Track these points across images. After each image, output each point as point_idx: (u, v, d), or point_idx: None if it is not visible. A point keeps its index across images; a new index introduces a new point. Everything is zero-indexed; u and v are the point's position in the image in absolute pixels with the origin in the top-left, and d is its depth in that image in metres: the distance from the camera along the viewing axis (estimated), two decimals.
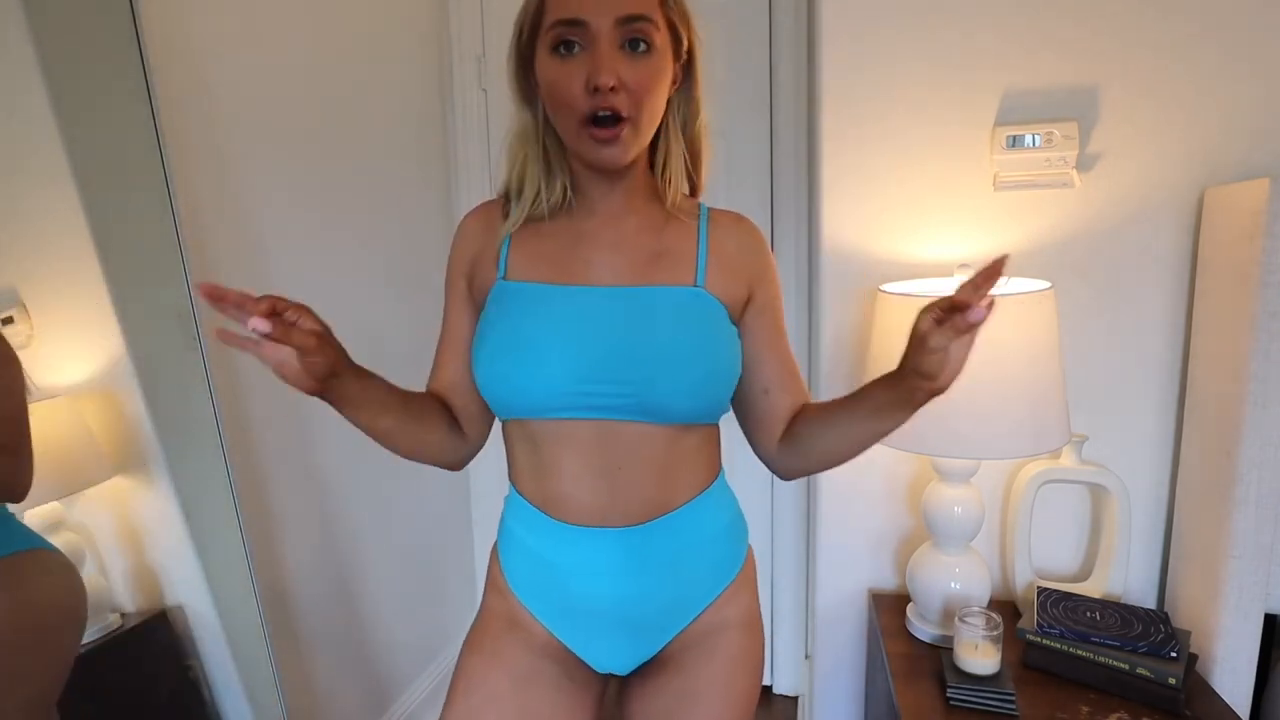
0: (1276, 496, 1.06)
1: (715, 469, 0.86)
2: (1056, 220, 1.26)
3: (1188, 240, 1.22)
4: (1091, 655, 1.10)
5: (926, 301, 0.67)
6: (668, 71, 0.74)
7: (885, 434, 0.77)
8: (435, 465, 0.88)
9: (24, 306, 0.98)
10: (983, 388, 1.05)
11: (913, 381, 0.69)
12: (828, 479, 1.41)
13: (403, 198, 1.80)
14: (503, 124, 0.82)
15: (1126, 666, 1.08)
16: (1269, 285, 1.03)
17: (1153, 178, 1.22)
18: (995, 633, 1.08)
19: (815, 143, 1.42)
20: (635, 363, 0.74)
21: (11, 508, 0.94)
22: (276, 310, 0.65)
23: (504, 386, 0.76)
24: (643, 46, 0.71)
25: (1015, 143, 1.23)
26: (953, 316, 0.64)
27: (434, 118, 1.95)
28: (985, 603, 1.21)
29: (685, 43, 0.77)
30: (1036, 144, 1.22)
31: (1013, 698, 1.05)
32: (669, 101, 0.77)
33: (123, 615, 1.10)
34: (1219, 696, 1.09)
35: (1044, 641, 1.15)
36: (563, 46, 0.71)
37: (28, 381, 0.95)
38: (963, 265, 1.21)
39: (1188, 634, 1.13)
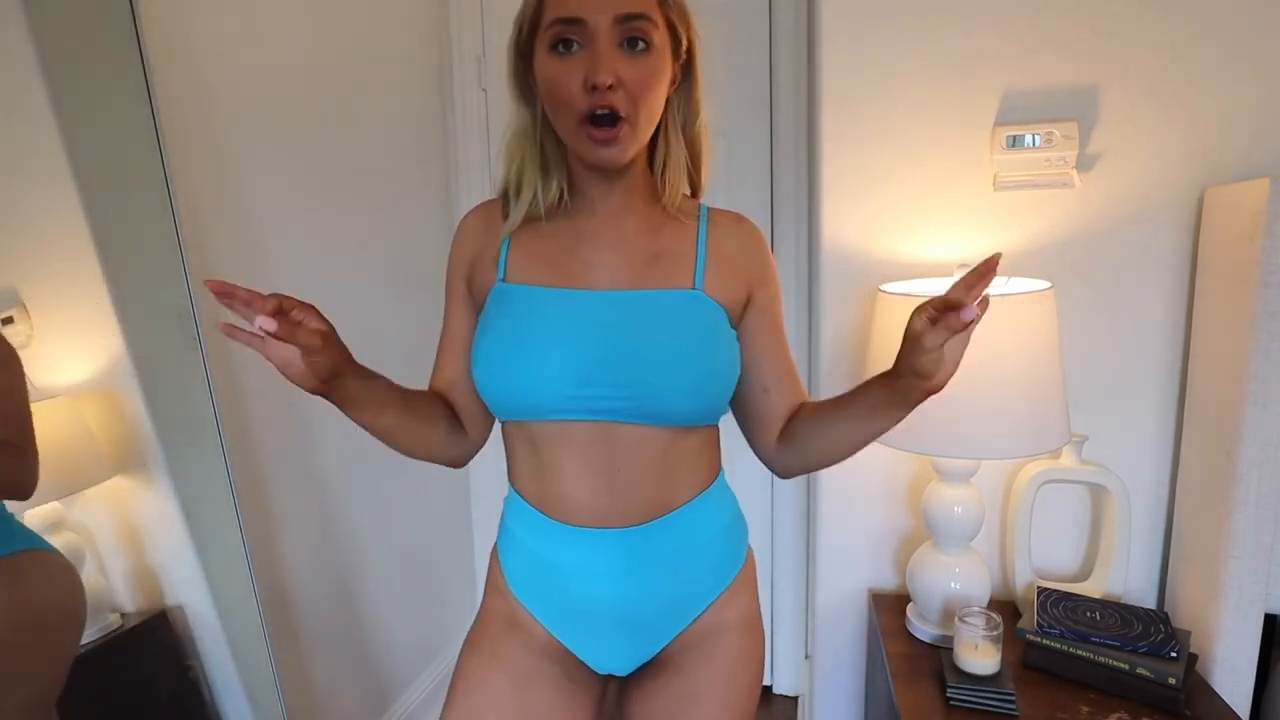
0: (1276, 496, 1.06)
1: (715, 470, 0.86)
2: (1056, 220, 1.26)
3: (1188, 240, 1.22)
4: (1091, 655, 1.10)
5: (924, 300, 0.67)
6: (666, 70, 0.74)
7: (882, 432, 0.78)
8: (437, 463, 0.88)
9: (24, 306, 0.98)
10: (983, 388, 1.05)
11: (908, 381, 0.69)
12: (828, 478, 1.41)
13: (403, 198, 1.80)
14: (503, 124, 0.82)
15: (1126, 666, 1.08)
16: (1269, 285, 1.03)
17: (1153, 178, 1.22)
18: (995, 633, 1.08)
19: (815, 143, 1.42)
20: (634, 366, 0.74)
21: (11, 507, 0.94)
22: (283, 309, 0.66)
23: (503, 388, 0.76)
24: (641, 45, 0.71)
25: (1015, 143, 1.23)
26: (946, 316, 0.64)
27: (434, 118, 1.95)
28: (985, 603, 1.21)
29: (684, 42, 0.76)
30: (1036, 144, 1.22)
31: (1013, 698, 1.05)
32: (668, 101, 0.77)
33: (123, 615, 1.10)
34: (1219, 696, 1.09)
35: (1044, 641, 1.15)
36: (561, 45, 0.71)
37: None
38: (962, 265, 1.21)
39: (1188, 634, 1.13)
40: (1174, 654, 1.07)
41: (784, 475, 0.89)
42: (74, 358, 1.05)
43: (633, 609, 0.80)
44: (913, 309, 0.67)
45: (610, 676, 0.88)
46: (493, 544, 0.91)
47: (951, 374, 0.69)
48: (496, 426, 0.88)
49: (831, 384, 1.39)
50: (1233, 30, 1.17)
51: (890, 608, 1.36)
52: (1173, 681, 1.04)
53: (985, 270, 0.63)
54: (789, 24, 1.74)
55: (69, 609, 0.98)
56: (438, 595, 2.00)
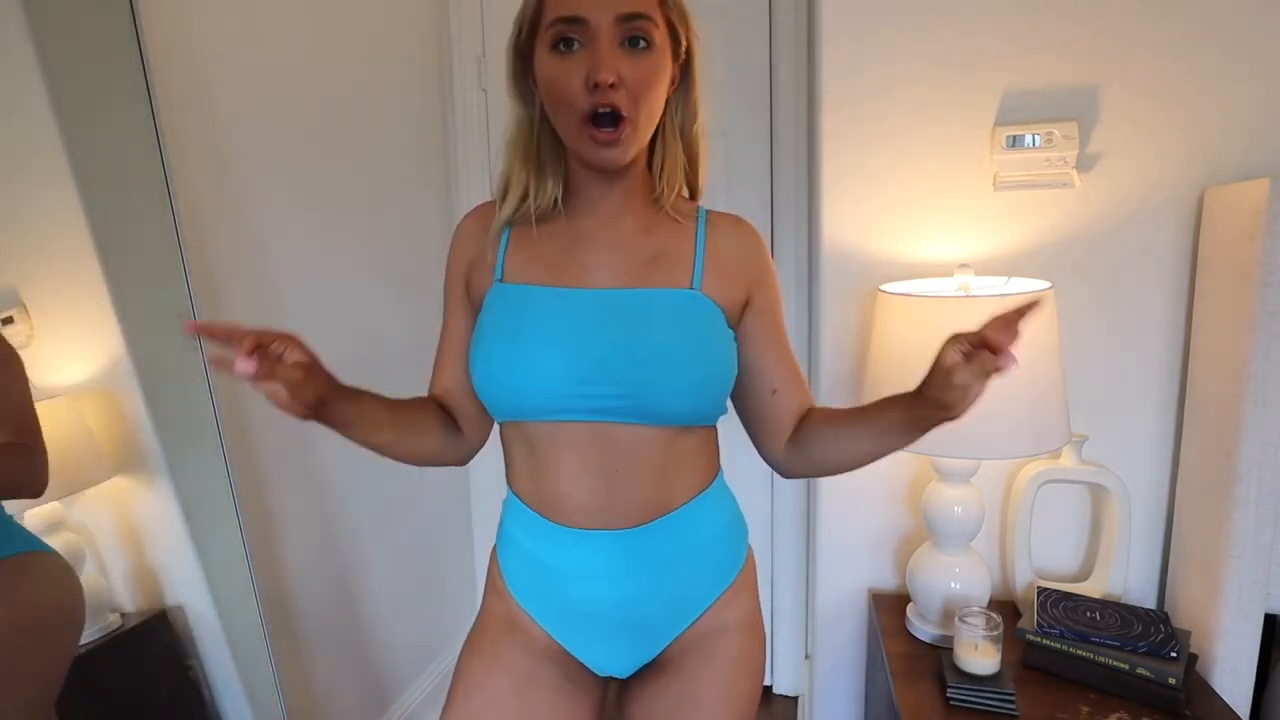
0: (1276, 496, 1.06)
1: (714, 470, 0.86)
2: (1056, 220, 1.26)
3: (1188, 240, 1.22)
4: (1091, 655, 1.10)
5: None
6: (667, 70, 0.74)
7: (893, 451, 0.79)
8: (436, 466, 0.89)
9: (24, 306, 0.98)
10: None
11: (930, 410, 0.70)
12: (828, 478, 1.41)
13: (403, 198, 1.80)
14: (503, 124, 0.82)
15: (1126, 666, 1.08)
16: (1269, 285, 1.03)
17: (1153, 178, 1.22)
18: (995, 633, 1.08)
19: (815, 143, 1.42)
20: (632, 365, 0.74)
21: (11, 508, 0.94)
22: (261, 344, 0.66)
23: (500, 389, 0.76)
24: (642, 44, 0.71)
25: (1015, 143, 1.23)
26: (981, 354, 0.65)
27: (434, 118, 1.95)
28: (985, 603, 1.21)
29: (684, 43, 0.76)
30: (1036, 144, 1.22)
31: (1013, 698, 1.05)
32: (667, 102, 0.77)
33: (123, 615, 1.10)
34: (1219, 696, 1.09)
35: (1044, 641, 1.15)
36: (562, 44, 0.71)
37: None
38: (963, 265, 1.21)
39: (1188, 634, 1.13)
40: (1174, 654, 1.07)
41: (789, 477, 0.90)
42: (74, 358, 1.05)
43: (632, 610, 0.80)
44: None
45: (610, 678, 0.88)
46: (492, 545, 0.91)
47: (972, 406, 0.69)
48: (496, 426, 0.88)
49: (832, 384, 1.39)
50: (1233, 30, 1.17)
51: (890, 608, 1.36)
52: (1173, 681, 1.04)
53: (1026, 310, 0.63)
54: (789, 24, 1.74)
55: (68, 610, 0.98)
56: (438, 595, 2.00)
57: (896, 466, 1.38)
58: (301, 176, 1.44)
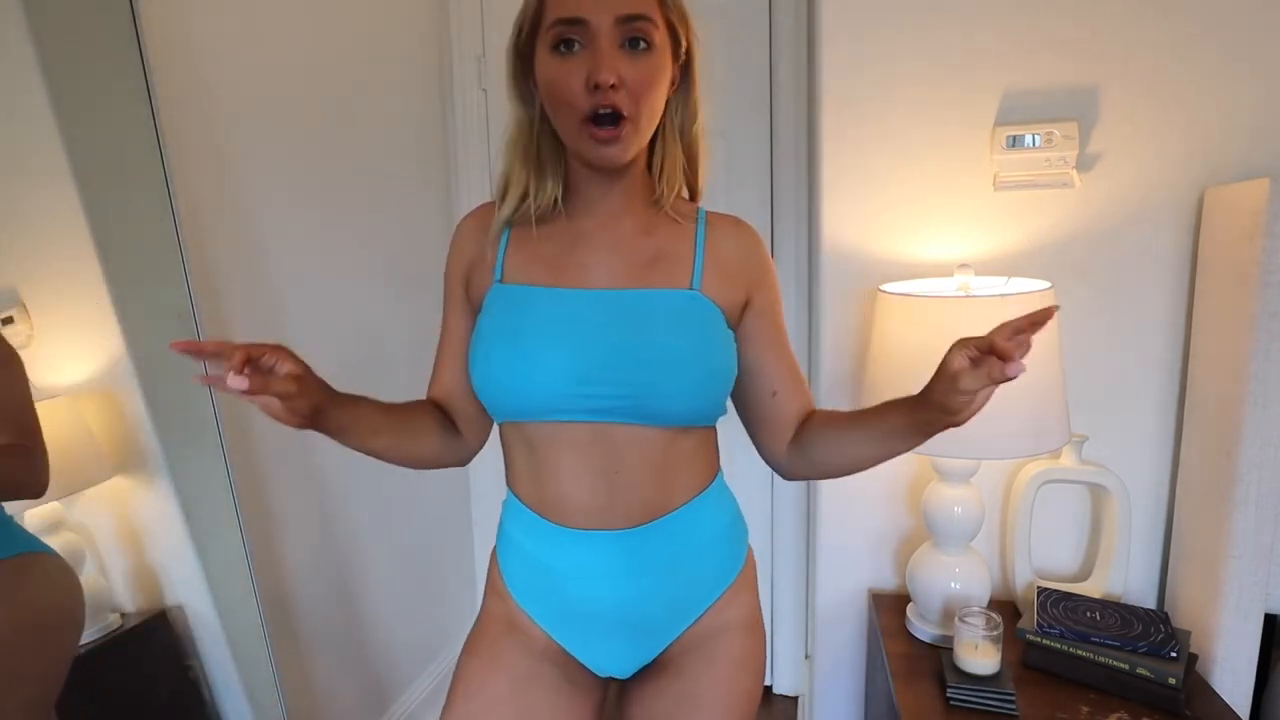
0: (1276, 496, 1.06)
1: (713, 470, 0.86)
2: (1056, 220, 1.26)
3: (1188, 240, 1.22)
4: (1091, 655, 1.10)
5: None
6: (667, 70, 0.74)
7: (895, 455, 0.79)
8: (436, 469, 0.89)
9: (24, 306, 0.98)
10: None
11: (933, 414, 0.70)
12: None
13: (403, 198, 1.80)
14: (503, 124, 0.82)
15: (1126, 666, 1.08)
16: (1269, 285, 1.03)
17: (1153, 178, 1.22)
18: (995, 633, 1.08)
19: (815, 143, 1.42)
20: (633, 366, 0.74)
21: (11, 509, 0.94)
22: (251, 358, 0.65)
23: (500, 389, 0.76)
24: (643, 45, 0.71)
25: (1015, 143, 1.23)
26: (988, 360, 0.64)
27: (434, 118, 1.95)
28: (985, 603, 1.21)
29: (684, 44, 0.77)
30: (1036, 144, 1.22)
31: (1013, 698, 1.05)
32: (667, 103, 0.77)
33: (123, 615, 1.10)
34: (1219, 696, 1.09)
35: (1044, 641, 1.15)
36: (563, 45, 0.71)
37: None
38: (963, 265, 1.21)
39: (1188, 634, 1.13)
40: (1174, 654, 1.07)
41: (790, 479, 0.90)
42: (74, 358, 1.05)
43: (632, 610, 0.80)
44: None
45: (611, 679, 0.88)
46: (492, 547, 0.91)
47: (977, 412, 0.69)
48: (496, 427, 0.88)
49: (832, 384, 1.39)
50: (1233, 30, 1.17)
51: (890, 608, 1.36)
52: (1173, 681, 1.04)
53: (1039, 319, 0.63)
54: (789, 24, 1.74)
55: (68, 610, 0.98)
56: (438, 595, 2.00)
57: (896, 466, 1.38)
58: (301, 176, 1.44)
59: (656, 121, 0.76)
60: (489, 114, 1.98)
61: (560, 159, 0.80)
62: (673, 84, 0.77)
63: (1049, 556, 1.36)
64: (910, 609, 1.31)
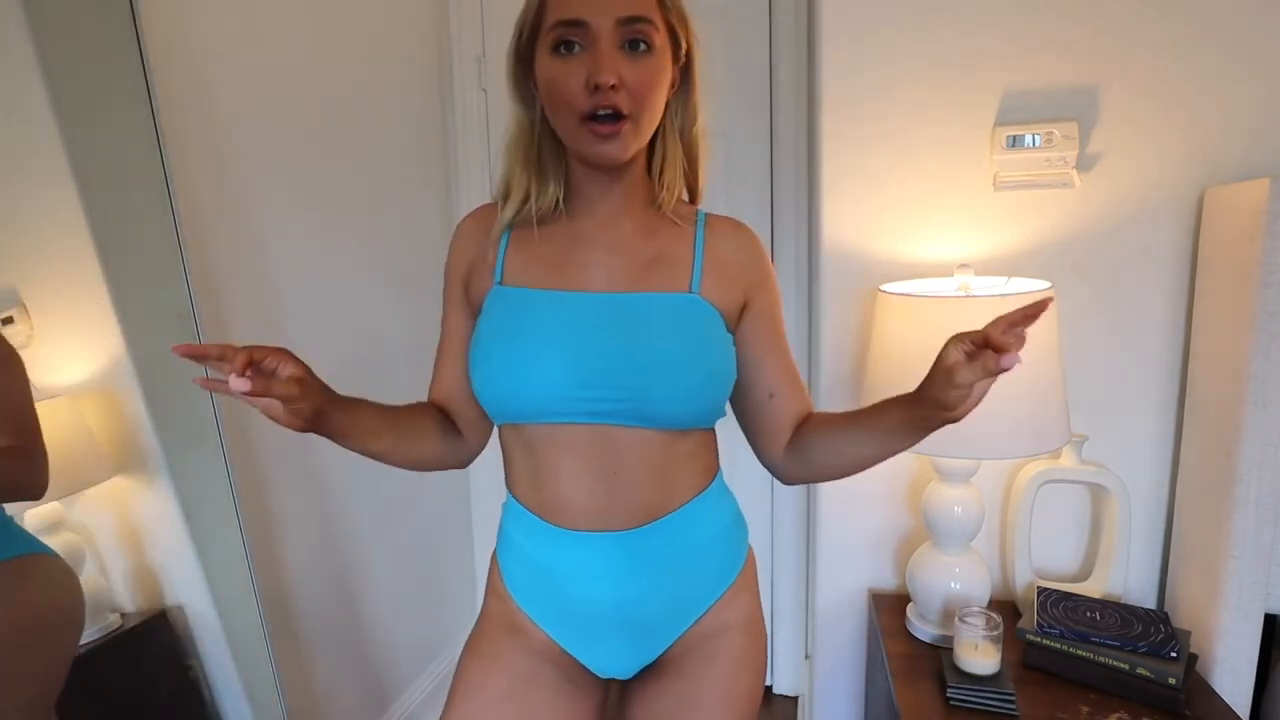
0: (1276, 496, 1.06)
1: (713, 471, 0.86)
2: (1056, 220, 1.26)
3: (1188, 240, 1.22)
4: (1091, 655, 1.10)
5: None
6: (667, 72, 0.74)
7: (894, 454, 0.78)
8: (437, 471, 0.89)
9: (24, 306, 0.98)
10: None
11: (929, 410, 0.69)
12: None
13: (403, 198, 1.80)
14: (503, 124, 0.82)
15: (1126, 666, 1.08)
16: (1269, 285, 1.03)
17: (1153, 178, 1.22)
18: (995, 633, 1.08)
19: (815, 143, 1.42)
20: (632, 369, 0.74)
21: (11, 509, 0.94)
22: (253, 360, 0.65)
23: (500, 391, 0.76)
24: (643, 47, 0.71)
25: (1015, 143, 1.23)
26: (984, 353, 0.64)
27: (434, 118, 1.95)
28: (985, 603, 1.21)
29: (684, 46, 0.77)
30: (1036, 144, 1.22)
31: (1013, 698, 1.05)
32: (667, 105, 0.77)
33: (123, 615, 1.10)
34: (1219, 696, 1.09)
35: (1044, 641, 1.15)
36: (563, 47, 0.71)
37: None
38: (963, 265, 1.21)
39: (1188, 634, 1.13)
40: (1174, 654, 1.07)
41: (789, 483, 0.90)
42: (74, 358, 1.05)
43: (632, 611, 0.80)
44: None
45: (612, 681, 0.88)
46: (493, 549, 0.91)
47: (973, 408, 0.68)
48: (496, 428, 0.88)
49: (832, 384, 1.39)
50: (1233, 30, 1.17)
51: (890, 608, 1.36)
52: (1173, 681, 1.04)
53: (1033, 312, 0.62)
54: (789, 24, 1.74)
55: (68, 610, 0.98)
56: (438, 595, 2.00)
57: (896, 466, 1.38)
58: (301, 176, 1.44)
59: (656, 123, 0.76)
60: (489, 114, 1.98)
61: (561, 160, 0.80)
62: (673, 86, 0.77)
63: (1049, 556, 1.36)
64: (910, 609, 1.31)
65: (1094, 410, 1.27)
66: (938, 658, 1.18)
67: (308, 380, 0.69)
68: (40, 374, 0.98)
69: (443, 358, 0.88)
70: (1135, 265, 1.25)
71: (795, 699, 1.98)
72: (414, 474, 0.90)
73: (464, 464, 0.91)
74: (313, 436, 0.74)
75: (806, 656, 1.90)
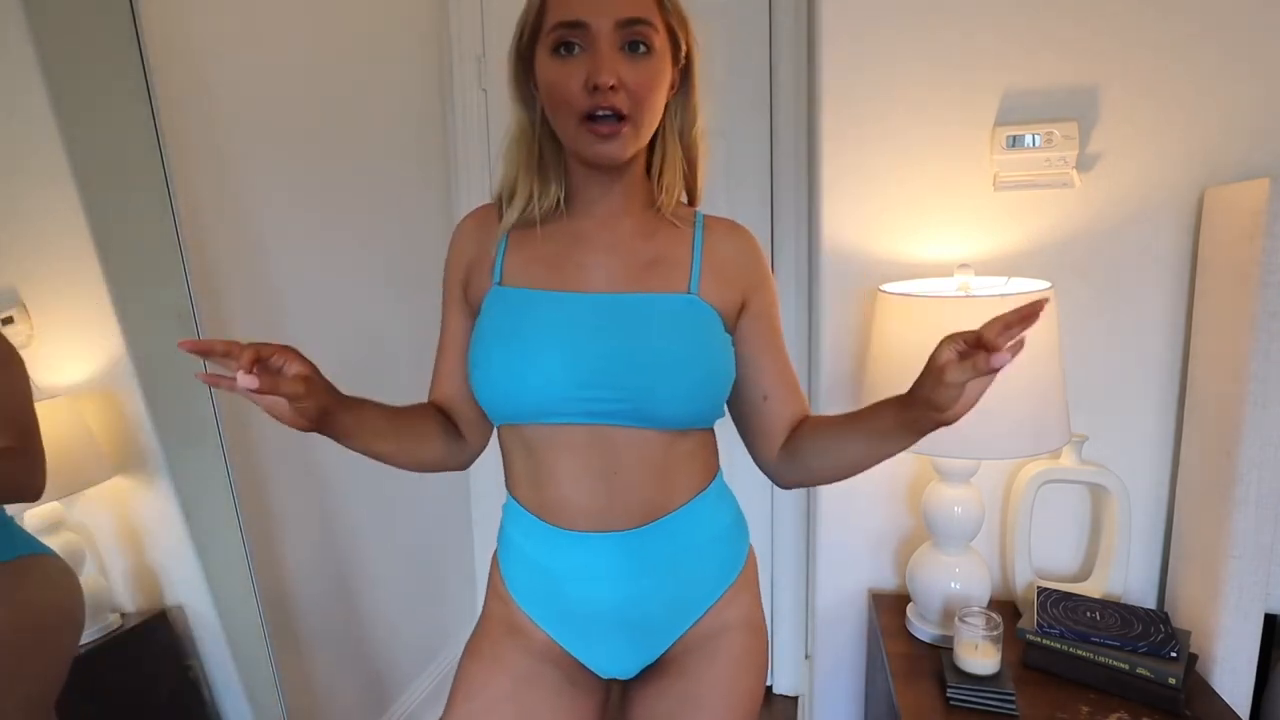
0: (1276, 496, 1.06)
1: (712, 471, 0.86)
2: (1056, 220, 1.26)
3: (1188, 240, 1.22)
4: (1091, 655, 1.10)
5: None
6: (666, 74, 0.75)
7: (888, 456, 0.78)
8: (438, 472, 0.89)
9: (24, 306, 0.98)
10: None
11: (921, 411, 0.69)
12: None
13: (403, 198, 1.80)
14: (503, 124, 0.82)
15: (1126, 666, 1.08)
16: (1269, 285, 1.03)
17: (1153, 178, 1.22)
18: (995, 633, 1.08)
19: (815, 143, 1.42)
20: (632, 369, 0.74)
21: (11, 509, 0.94)
22: (260, 357, 0.65)
23: (499, 392, 0.76)
24: (642, 49, 0.71)
25: (1015, 143, 1.23)
26: (976, 353, 0.63)
27: (434, 118, 1.95)
28: (985, 603, 1.21)
29: (684, 47, 0.77)
30: (1036, 144, 1.22)
31: (1013, 698, 1.05)
32: (666, 106, 0.77)
33: (123, 615, 1.10)
34: (1219, 696, 1.09)
35: (1044, 641, 1.15)
36: (563, 48, 0.71)
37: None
38: (963, 265, 1.21)
39: (1188, 634, 1.13)
40: (1174, 654, 1.07)
41: (784, 487, 0.89)
42: (74, 358, 1.05)
43: (633, 611, 0.80)
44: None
45: (613, 681, 0.88)
46: (493, 550, 0.91)
47: (967, 410, 0.67)
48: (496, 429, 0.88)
49: (832, 384, 1.39)
50: (1233, 30, 1.17)
51: (890, 608, 1.36)
52: (1173, 681, 1.04)
53: (1028, 313, 0.61)
54: (789, 24, 1.74)
55: (68, 610, 0.98)
56: (438, 595, 2.00)
57: (896, 466, 1.38)
58: (301, 176, 1.44)
59: (656, 123, 0.76)
60: (489, 114, 1.98)
61: (562, 161, 0.80)
62: (672, 87, 0.77)
63: (1049, 556, 1.36)
64: (910, 609, 1.31)
65: (1094, 410, 1.27)
66: (938, 658, 1.18)
67: (314, 379, 0.69)
68: (40, 374, 0.98)
69: (442, 359, 0.88)
70: (1135, 265, 1.25)
71: (795, 699, 1.98)
72: (414, 474, 0.90)
73: (464, 465, 0.91)
74: (314, 437, 0.73)
75: (806, 656, 1.90)
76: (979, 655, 1.09)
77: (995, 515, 1.37)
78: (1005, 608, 1.31)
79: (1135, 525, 1.28)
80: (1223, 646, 1.11)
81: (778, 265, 1.83)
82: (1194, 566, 1.20)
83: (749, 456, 0.90)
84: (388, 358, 1.69)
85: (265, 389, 0.63)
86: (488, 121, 1.99)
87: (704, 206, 0.87)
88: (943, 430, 0.72)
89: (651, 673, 0.84)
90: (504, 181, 0.82)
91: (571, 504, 0.78)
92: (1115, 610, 1.18)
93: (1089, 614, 1.17)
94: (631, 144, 0.73)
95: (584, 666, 0.84)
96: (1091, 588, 1.28)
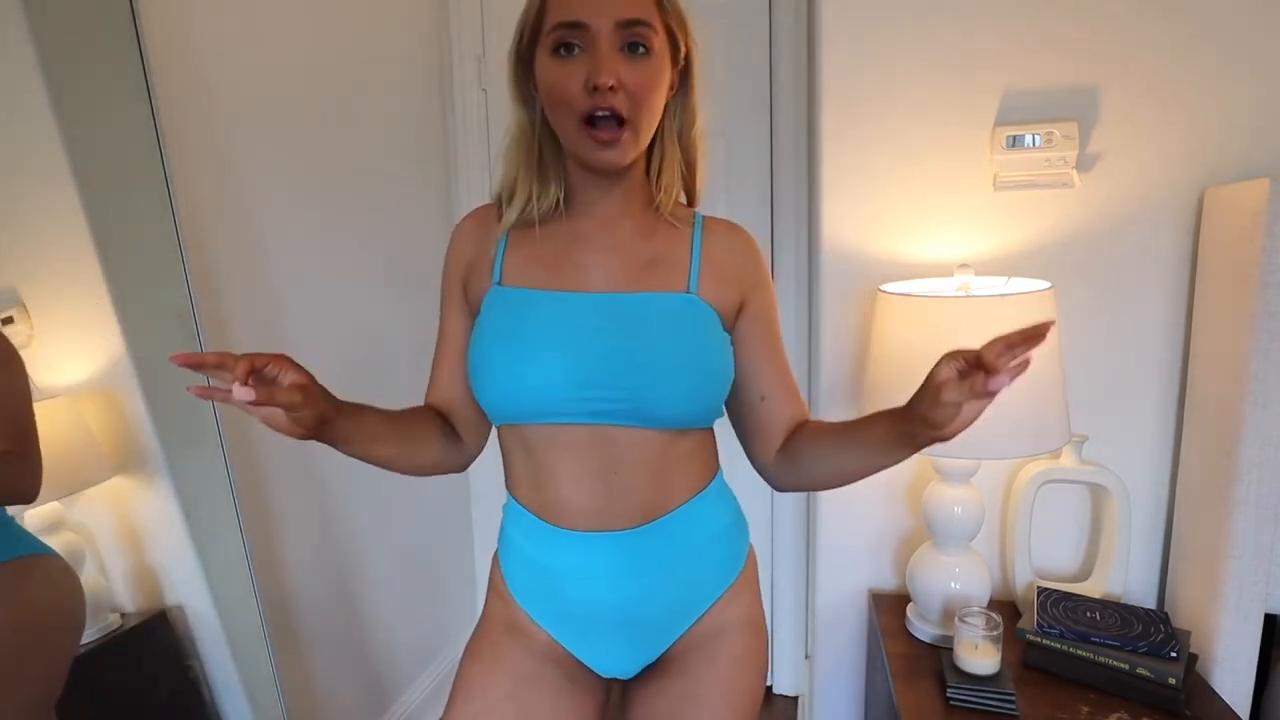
0: (1276, 496, 1.06)
1: (712, 471, 0.86)
2: (1056, 220, 1.26)
3: (1188, 240, 1.22)
4: (1091, 655, 1.10)
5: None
6: (666, 75, 0.75)
7: (884, 467, 0.77)
8: (437, 475, 0.89)
9: (24, 306, 0.98)
10: None
11: (917, 426, 0.68)
12: None
13: (403, 198, 1.80)
14: (503, 124, 0.82)
15: (1126, 666, 1.08)
16: (1269, 285, 1.03)
17: (1153, 178, 1.22)
18: (995, 633, 1.08)
19: (815, 143, 1.42)
20: (631, 369, 0.74)
21: (12, 509, 0.94)
22: (255, 367, 0.64)
23: (499, 392, 0.76)
24: (641, 50, 0.71)
25: (1015, 143, 1.23)
26: (975, 374, 0.62)
27: (434, 118, 1.95)
28: (985, 603, 1.21)
29: (683, 49, 0.77)
30: (1036, 144, 1.22)
31: (1013, 698, 1.05)
32: (666, 107, 0.78)
33: (123, 615, 1.10)
34: (1219, 696, 1.09)
35: (1044, 641, 1.15)
36: (563, 49, 0.71)
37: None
38: (963, 265, 1.21)
39: (1188, 634, 1.13)
40: (1174, 654, 1.07)
41: (781, 489, 0.89)
42: (74, 358, 1.05)
43: (633, 611, 0.80)
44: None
45: (614, 680, 0.88)
46: (494, 549, 0.90)
47: (964, 429, 0.66)
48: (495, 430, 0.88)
49: (831, 384, 1.39)
50: (1233, 30, 1.17)
51: (890, 608, 1.36)
52: (1173, 681, 1.04)
53: (1032, 335, 0.60)
54: (789, 24, 1.74)
55: (69, 611, 0.98)
56: (438, 595, 2.00)
57: (897, 467, 1.36)
58: (301, 176, 1.44)
59: (655, 126, 0.76)
60: (489, 114, 1.98)
61: (561, 162, 0.80)
62: (671, 88, 0.78)
63: (1049, 556, 1.36)
64: (910, 609, 1.31)
65: (1094, 410, 1.27)
66: (938, 658, 1.18)
67: (310, 387, 0.68)
68: (40, 374, 0.98)
69: (440, 359, 0.87)
70: (1135, 265, 1.25)
71: (795, 699, 1.98)
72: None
73: (462, 468, 0.91)
74: None
75: (806, 656, 1.90)
76: (979, 655, 1.09)
77: (995, 515, 1.37)
78: (1005, 608, 1.31)
79: (1135, 525, 1.28)
80: (1223, 646, 1.11)
81: (778, 265, 1.83)
82: (1194, 566, 1.20)
83: None
84: (388, 358, 1.69)
85: (262, 400, 0.63)
86: (488, 121, 1.99)
87: (704, 207, 0.87)
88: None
89: (652, 672, 0.84)
90: (503, 182, 0.82)
91: (571, 504, 0.78)
92: (1115, 610, 1.18)
93: (1089, 614, 1.17)
94: (631, 149, 0.73)
95: (584, 666, 0.84)
96: (1091, 588, 1.28)
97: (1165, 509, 1.30)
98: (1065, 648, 1.13)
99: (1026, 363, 0.62)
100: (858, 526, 1.42)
